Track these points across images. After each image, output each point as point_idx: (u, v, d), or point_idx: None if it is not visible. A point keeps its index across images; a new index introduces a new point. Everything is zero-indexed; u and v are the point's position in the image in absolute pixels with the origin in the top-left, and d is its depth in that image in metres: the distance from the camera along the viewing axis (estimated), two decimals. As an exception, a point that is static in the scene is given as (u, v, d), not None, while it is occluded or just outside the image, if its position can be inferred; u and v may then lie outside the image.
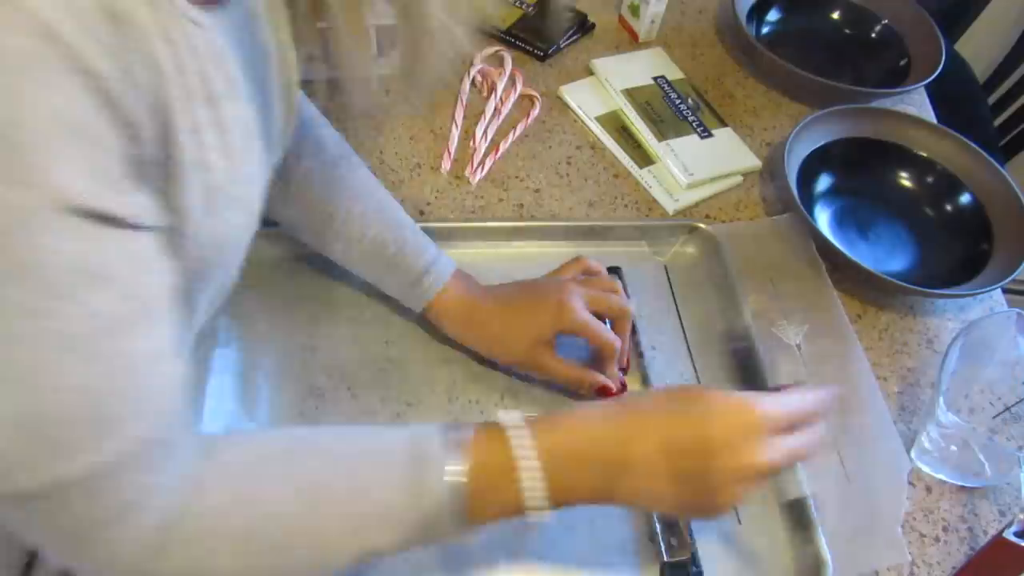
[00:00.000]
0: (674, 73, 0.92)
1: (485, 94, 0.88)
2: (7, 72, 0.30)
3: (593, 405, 0.49)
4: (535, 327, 0.61)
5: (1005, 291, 0.79)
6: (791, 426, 0.47)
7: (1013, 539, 0.53)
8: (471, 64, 0.89)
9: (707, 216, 0.81)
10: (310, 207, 0.62)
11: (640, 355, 0.68)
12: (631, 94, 0.88)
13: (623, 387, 0.63)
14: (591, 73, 0.92)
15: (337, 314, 0.67)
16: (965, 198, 0.83)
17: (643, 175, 0.83)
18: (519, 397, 0.65)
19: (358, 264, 0.64)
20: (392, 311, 0.68)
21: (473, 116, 0.85)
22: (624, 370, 0.65)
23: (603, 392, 0.61)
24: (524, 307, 0.62)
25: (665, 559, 0.55)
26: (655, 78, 0.91)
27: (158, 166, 0.38)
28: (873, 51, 1.00)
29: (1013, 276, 0.75)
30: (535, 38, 0.93)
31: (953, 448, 0.63)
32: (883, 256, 0.80)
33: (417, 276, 0.62)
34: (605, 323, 0.63)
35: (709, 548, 0.58)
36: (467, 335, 0.64)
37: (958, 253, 0.81)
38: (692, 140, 0.85)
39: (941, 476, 0.65)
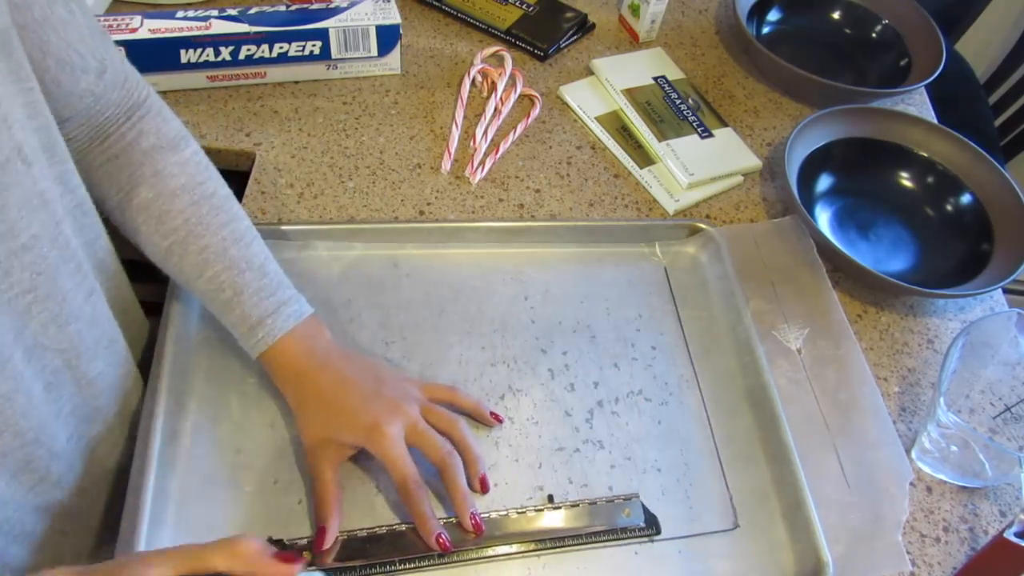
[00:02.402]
0: (674, 73, 0.92)
1: (485, 94, 0.88)
2: None
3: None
4: (343, 430, 0.56)
5: (1006, 291, 0.79)
6: None
7: (1014, 539, 0.53)
8: (471, 64, 0.89)
9: (707, 216, 0.81)
10: (147, 240, 0.58)
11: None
12: (631, 94, 0.88)
13: (442, 545, 0.54)
14: (591, 73, 0.92)
15: (336, 316, 0.67)
16: (965, 198, 0.83)
17: (643, 175, 0.82)
18: (519, 398, 0.65)
19: (201, 300, 0.60)
20: (390, 311, 0.68)
21: (473, 116, 0.85)
22: (475, 525, 0.56)
23: (318, 536, 0.54)
24: (347, 404, 0.56)
25: None
26: (655, 78, 0.91)
27: None
28: (873, 51, 1.00)
29: (1014, 276, 0.75)
30: (535, 38, 0.93)
31: (954, 448, 0.63)
32: (883, 256, 0.80)
33: (250, 327, 0.57)
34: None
35: (709, 549, 0.59)
36: (290, 395, 0.59)
37: (958, 253, 0.81)
38: (692, 140, 0.85)
39: (942, 476, 0.65)
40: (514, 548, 0.57)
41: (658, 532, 0.59)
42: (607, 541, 0.58)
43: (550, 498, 0.59)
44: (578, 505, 0.59)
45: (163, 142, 0.59)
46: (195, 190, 0.58)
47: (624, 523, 0.58)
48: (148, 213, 0.58)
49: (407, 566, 0.55)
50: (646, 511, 0.59)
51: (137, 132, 0.58)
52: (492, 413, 0.62)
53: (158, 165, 0.58)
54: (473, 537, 0.56)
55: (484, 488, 0.58)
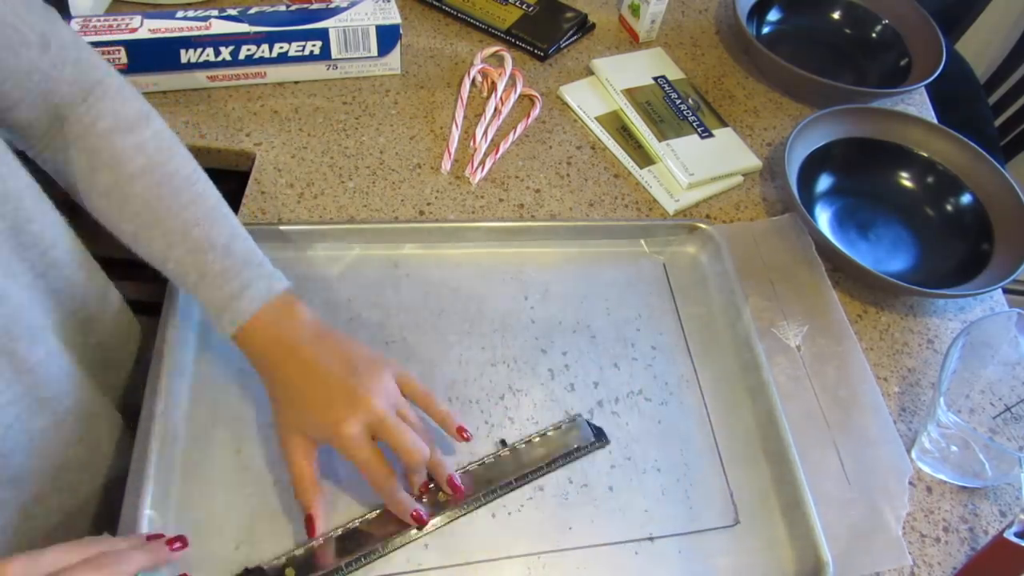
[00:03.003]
0: (674, 73, 0.92)
1: (485, 94, 0.88)
2: None
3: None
4: (308, 427, 0.55)
5: (1006, 291, 0.79)
6: None
7: (1014, 539, 0.53)
8: (471, 64, 0.89)
9: (707, 216, 0.81)
10: (116, 227, 0.57)
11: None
12: (631, 94, 0.88)
13: (417, 518, 0.55)
14: (591, 73, 0.92)
15: (335, 315, 0.67)
16: (965, 198, 0.83)
17: (643, 175, 0.82)
18: (519, 398, 0.65)
19: (173, 283, 0.59)
20: (390, 311, 0.68)
21: (473, 116, 0.85)
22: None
23: (308, 525, 0.54)
24: (314, 397, 0.55)
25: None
26: (655, 78, 0.91)
27: None
28: (873, 51, 1.00)
29: (1014, 276, 0.75)
30: (535, 38, 0.93)
31: (954, 448, 0.63)
32: (883, 256, 0.80)
33: (217, 311, 0.56)
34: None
35: (709, 546, 0.59)
36: (264, 382, 0.57)
37: (958, 253, 0.81)
38: (692, 140, 0.85)
39: (942, 476, 0.65)
40: (483, 501, 0.59)
41: (607, 442, 0.63)
42: (566, 463, 0.61)
43: (503, 442, 0.62)
44: (530, 441, 0.62)
45: (121, 123, 0.57)
46: (154, 171, 0.56)
47: (576, 442, 0.62)
48: (110, 199, 0.56)
49: (397, 548, 0.56)
50: (591, 426, 0.63)
51: (95, 114, 0.56)
52: (460, 428, 0.59)
53: (115, 148, 0.56)
54: (452, 500, 0.58)
55: (456, 491, 0.58)
